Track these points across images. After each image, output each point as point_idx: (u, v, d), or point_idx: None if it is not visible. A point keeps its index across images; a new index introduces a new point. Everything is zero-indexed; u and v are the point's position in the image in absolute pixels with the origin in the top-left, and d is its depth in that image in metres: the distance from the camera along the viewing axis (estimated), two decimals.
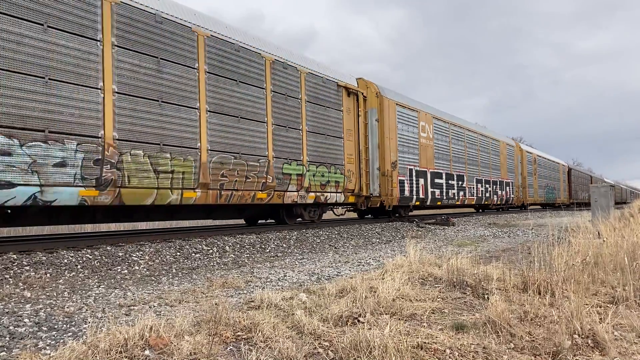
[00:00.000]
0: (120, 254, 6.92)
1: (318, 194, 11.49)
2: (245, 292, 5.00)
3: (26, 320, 3.75)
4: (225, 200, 9.13)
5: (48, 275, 5.76)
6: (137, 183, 7.59)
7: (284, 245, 9.35)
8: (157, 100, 7.94)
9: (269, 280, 5.75)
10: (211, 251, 8.00)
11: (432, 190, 16.53)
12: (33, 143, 6.41)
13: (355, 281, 4.68)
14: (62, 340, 3.26)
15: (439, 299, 4.40)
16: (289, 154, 10.71)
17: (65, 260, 6.29)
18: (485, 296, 4.45)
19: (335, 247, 9.74)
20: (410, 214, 16.49)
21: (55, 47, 6.70)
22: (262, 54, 10.10)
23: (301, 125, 11.13)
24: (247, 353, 2.92)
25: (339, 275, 5.93)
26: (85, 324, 3.63)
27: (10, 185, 6.14)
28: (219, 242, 8.53)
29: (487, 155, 22.22)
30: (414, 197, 15.30)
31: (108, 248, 7.16)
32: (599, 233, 8.03)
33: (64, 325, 3.66)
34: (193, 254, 7.66)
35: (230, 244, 8.61)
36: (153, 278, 6.09)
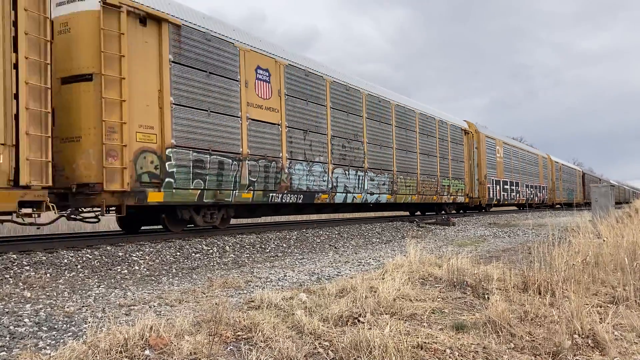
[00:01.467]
0: (120, 254, 6.92)
1: (454, 196, 19.03)
2: (245, 292, 4.99)
3: (26, 320, 3.75)
4: (422, 200, 16.63)
5: (48, 275, 5.76)
6: (400, 191, 15.05)
7: (284, 245, 9.35)
8: (405, 150, 15.58)
9: (269, 280, 5.75)
10: (211, 251, 8.00)
11: (503, 193, 24.22)
12: (379, 174, 13.90)
13: (355, 281, 4.68)
14: (62, 340, 3.26)
15: (439, 299, 4.40)
16: (444, 173, 18.28)
17: (65, 260, 6.28)
18: (486, 296, 4.45)
19: (335, 247, 9.74)
20: (490, 209, 25.21)
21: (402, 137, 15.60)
22: (436, 117, 17.94)
23: (448, 156, 18.71)
24: (247, 353, 2.92)
25: (339, 275, 5.93)
26: (85, 324, 3.63)
27: (373, 194, 13.57)
28: (219, 242, 8.53)
29: (531, 167, 29.74)
30: (494, 198, 22.96)
31: (108, 248, 7.15)
32: (599, 233, 8.03)
33: (64, 325, 3.65)
34: (193, 254, 7.66)
35: (230, 244, 8.61)
36: (153, 278, 6.09)
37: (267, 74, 9.97)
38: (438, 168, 17.73)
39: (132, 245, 7.53)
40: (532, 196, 28.80)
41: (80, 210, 7.86)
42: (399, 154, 15.04)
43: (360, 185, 12.97)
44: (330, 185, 11.71)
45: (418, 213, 19.80)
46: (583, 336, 3.42)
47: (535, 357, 3.17)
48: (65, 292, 5.00)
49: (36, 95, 6.18)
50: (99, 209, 7.44)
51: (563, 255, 5.18)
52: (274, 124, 10.06)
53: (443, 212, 19.38)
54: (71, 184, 7.06)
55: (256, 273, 6.32)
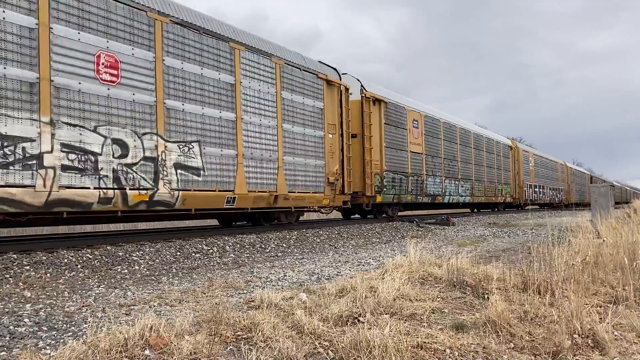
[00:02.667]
0: (120, 254, 6.92)
1: (504, 197, 25.46)
2: (245, 291, 5.00)
3: (26, 320, 3.75)
4: (487, 200, 23.11)
5: (48, 275, 5.76)
6: (475, 194, 21.38)
7: (284, 245, 9.35)
8: (478, 165, 21.97)
9: (269, 280, 5.75)
10: (211, 251, 8.00)
11: (534, 195, 30.60)
12: (465, 183, 20.53)
13: (355, 281, 4.68)
14: (62, 340, 3.26)
15: (439, 299, 4.40)
16: (499, 180, 24.70)
17: (65, 260, 6.29)
18: (485, 296, 4.46)
19: (335, 247, 9.74)
20: (525, 207, 31.33)
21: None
22: (494, 139, 24.34)
23: (502, 167, 25.17)
24: (247, 353, 2.92)
25: (339, 275, 5.93)
26: (86, 324, 3.63)
27: (462, 196, 20.20)
28: (219, 242, 8.53)
29: (553, 172, 36.39)
30: (528, 199, 29.16)
31: (108, 248, 7.16)
32: (598, 233, 8.03)
33: (64, 325, 3.66)
34: (193, 254, 7.66)
35: (231, 243, 8.61)
36: (153, 278, 6.09)
37: (416, 123, 16.78)
38: (495, 176, 24.37)
39: (132, 245, 7.53)
40: (553, 197, 35.58)
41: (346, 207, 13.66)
42: (475, 167, 21.69)
43: (456, 190, 19.50)
44: (442, 191, 18.32)
45: (475, 210, 26.66)
46: (583, 336, 3.42)
47: (535, 357, 3.17)
48: (65, 292, 5.00)
49: (346, 148, 12.63)
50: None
51: (563, 255, 5.18)
52: (419, 153, 16.81)
53: (497, 209, 26.90)
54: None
55: (256, 273, 6.32)
